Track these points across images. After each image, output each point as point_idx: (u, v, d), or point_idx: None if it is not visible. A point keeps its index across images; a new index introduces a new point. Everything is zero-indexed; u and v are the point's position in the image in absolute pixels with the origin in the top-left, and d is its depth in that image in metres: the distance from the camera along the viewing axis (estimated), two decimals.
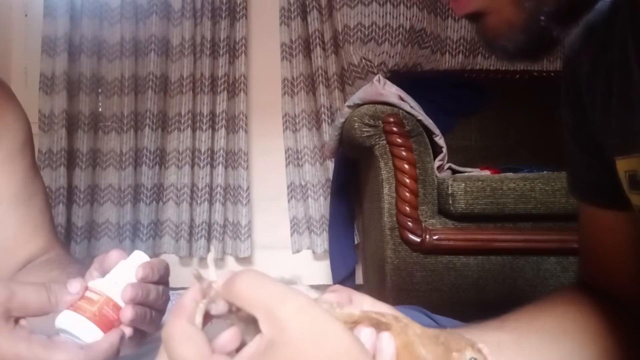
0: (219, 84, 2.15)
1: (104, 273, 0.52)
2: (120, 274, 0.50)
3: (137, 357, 0.55)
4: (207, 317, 0.36)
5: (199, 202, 2.15)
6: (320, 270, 2.16)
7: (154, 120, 2.13)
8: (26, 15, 2.25)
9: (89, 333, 0.46)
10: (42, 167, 2.05)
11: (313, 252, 2.18)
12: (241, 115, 2.16)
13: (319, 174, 2.16)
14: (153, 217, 2.15)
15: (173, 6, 2.14)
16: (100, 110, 2.17)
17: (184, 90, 2.14)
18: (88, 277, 0.52)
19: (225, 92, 2.15)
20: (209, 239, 2.15)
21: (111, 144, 2.14)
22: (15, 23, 2.24)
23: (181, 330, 0.34)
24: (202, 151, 2.15)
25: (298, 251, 2.17)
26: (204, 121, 2.15)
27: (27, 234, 0.73)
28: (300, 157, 2.16)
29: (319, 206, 2.14)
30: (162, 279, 0.53)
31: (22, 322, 0.47)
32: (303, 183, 2.16)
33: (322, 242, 2.13)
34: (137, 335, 0.50)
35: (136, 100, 2.14)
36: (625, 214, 0.51)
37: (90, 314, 0.47)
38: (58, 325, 0.47)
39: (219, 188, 2.14)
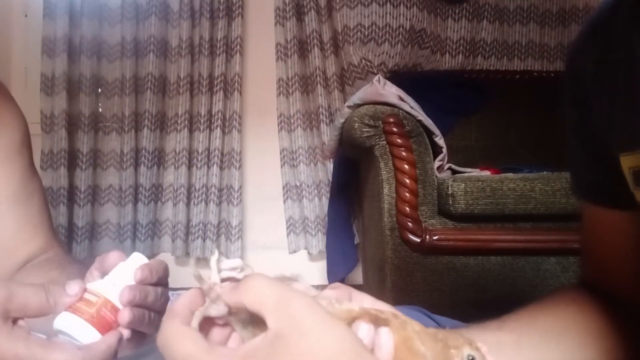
0: (215, 83, 2.15)
1: (103, 274, 0.52)
2: (118, 276, 0.51)
3: (137, 357, 0.55)
4: (205, 321, 0.37)
5: (196, 202, 2.15)
6: (315, 271, 2.17)
7: (153, 121, 2.13)
8: (26, 16, 2.25)
9: (87, 335, 0.47)
10: (45, 168, 2.05)
11: (308, 252, 2.18)
12: (235, 115, 2.15)
13: (313, 174, 2.16)
14: (151, 217, 2.15)
15: (172, 7, 2.14)
16: (100, 110, 2.17)
17: (181, 91, 2.14)
18: (89, 278, 0.53)
19: (222, 91, 2.15)
20: (205, 239, 2.15)
21: (111, 145, 2.14)
22: (15, 23, 2.24)
23: (176, 331, 0.35)
24: (200, 151, 2.15)
25: (295, 251, 2.17)
26: (202, 121, 2.15)
27: (26, 234, 0.73)
28: (295, 157, 2.17)
29: (314, 207, 2.14)
30: (161, 281, 0.53)
31: (21, 322, 0.47)
32: (298, 183, 2.16)
33: (317, 242, 2.14)
34: (136, 337, 0.50)
35: (136, 100, 2.14)
36: (627, 213, 0.51)
37: (88, 315, 0.47)
38: (56, 326, 0.47)
39: (213, 188, 2.14)
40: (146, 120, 2.12)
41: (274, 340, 0.32)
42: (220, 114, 2.14)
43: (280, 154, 2.18)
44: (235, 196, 2.15)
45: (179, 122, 2.15)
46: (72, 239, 2.09)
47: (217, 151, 2.14)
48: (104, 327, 0.48)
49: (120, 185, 2.12)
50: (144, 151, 2.13)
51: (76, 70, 2.10)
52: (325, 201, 2.13)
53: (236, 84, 2.15)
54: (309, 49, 2.14)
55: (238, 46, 2.15)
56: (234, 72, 2.15)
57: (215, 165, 2.14)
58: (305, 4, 2.13)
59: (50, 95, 2.07)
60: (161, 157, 2.18)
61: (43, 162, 2.06)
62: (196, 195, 2.15)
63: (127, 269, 0.51)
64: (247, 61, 2.23)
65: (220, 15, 2.14)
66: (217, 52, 2.13)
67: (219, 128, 2.14)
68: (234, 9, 2.15)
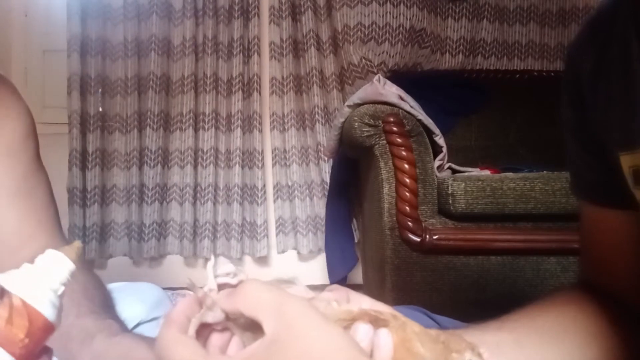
0: (234, 84, 2.15)
1: None
2: None
3: None
4: (203, 327, 0.37)
5: (202, 202, 2.15)
6: (305, 271, 2.18)
7: (155, 120, 2.13)
8: (26, 16, 2.25)
9: None
10: (70, 168, 2.07)
11: (298, 252, 2.19)
12: (255, 115, 2.16)
13: (305, 174, 2.16)
14: (157, 217, 2.15)
15: (174, 6, 2.14)
16: (100, 110, 2.17)
17: (185, 90, 2.15)
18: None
19: (240, 92, 2.15)
20: (213, 239, 2.15)
21: (116, 144, 2.14)
22: (15, 23, 2.24)
23: (173, 339, 0.35)
24: (205, 150, 2.15)
25: (283, 252, 2.18)
26: (206, 120, 2.15)
27: (30, 229, 0.70)
28: (287, 157, 2.17)
29: (305, 207, 2.15)
30: None
31: None
32: (290, 183, 2.16)
33: (307, 242, 2.15)
34: None
35: (139, 100, 2.14)
36: (626, 213, 0.51)
37: None
38: None
39: (236, 188, 2.14)
40: (149, 120, 2.13)
41: (270, 346, 0.32)
42: (240, 113, 2.15)
43: (272, 153, 2.19)
44: (259, 195, 2.16)
45: (183, 121, 2.15)
46: (84, 240, 2.09)
47: (238, 150, 2.15)
48: None
49: (126, 185, 2.13)
50: (147, 151, 2.13)
51: (84, 70, 2.11)
52: (316, 201, 2.14)
53: (255, 84, 2.16)
54: (305, 48, 2.13)
55: (256, 47, 2.15)
56: (252, 72, 2.16)
57: (237, 165, 2.14)
58: (302, 3, 2.13)
59: (69, 95, 2.08)
60: (165, 156, 2.18)
61: (71, 162, 2.08)
62: (202, 195, 2.16)
63: None
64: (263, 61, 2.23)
65: (236, 16, 2.14)
66: (234, 53, 2.14)
67: (239, 128, 2.15)
68: (250, 9, 2.16)
